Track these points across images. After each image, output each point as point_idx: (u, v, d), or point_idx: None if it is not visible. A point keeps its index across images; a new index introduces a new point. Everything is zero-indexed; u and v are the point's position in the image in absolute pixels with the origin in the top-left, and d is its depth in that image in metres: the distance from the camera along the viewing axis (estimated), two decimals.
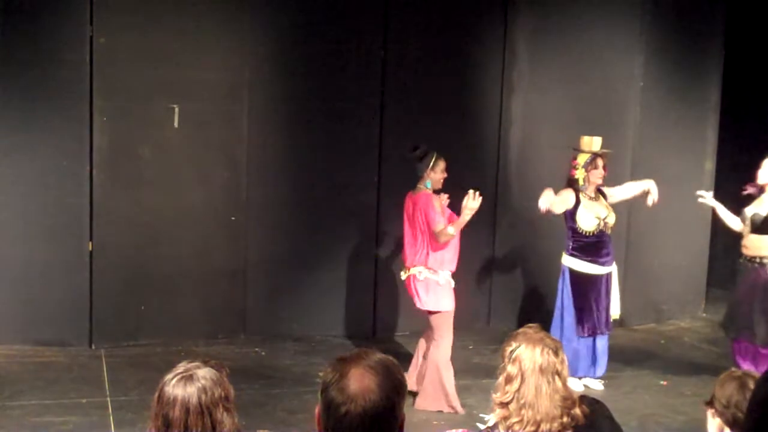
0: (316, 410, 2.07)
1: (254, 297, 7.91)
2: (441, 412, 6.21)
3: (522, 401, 3.01)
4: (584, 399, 3.11)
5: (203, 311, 7.73)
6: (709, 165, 8.99)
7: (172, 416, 2.69)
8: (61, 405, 6.10)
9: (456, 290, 8.10)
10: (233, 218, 7.74)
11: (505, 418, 3.05)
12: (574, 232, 6.65)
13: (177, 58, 7.44)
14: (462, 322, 8.17)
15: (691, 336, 8.56)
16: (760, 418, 1.95)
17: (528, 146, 8.30)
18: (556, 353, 3.05)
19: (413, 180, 7.95)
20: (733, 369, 3.49)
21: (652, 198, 6.79)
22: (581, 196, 6.64)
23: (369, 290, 8.09)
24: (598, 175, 6.66)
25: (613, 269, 6.80)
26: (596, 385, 6.84)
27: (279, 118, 7.85)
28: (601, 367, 6.84)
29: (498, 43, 8.19)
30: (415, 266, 6.24)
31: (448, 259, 6.24)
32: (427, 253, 6.20)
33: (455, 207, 8.04)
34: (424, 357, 6.36)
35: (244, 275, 7.85)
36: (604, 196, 6.80)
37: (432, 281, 6.20)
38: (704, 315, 9.20)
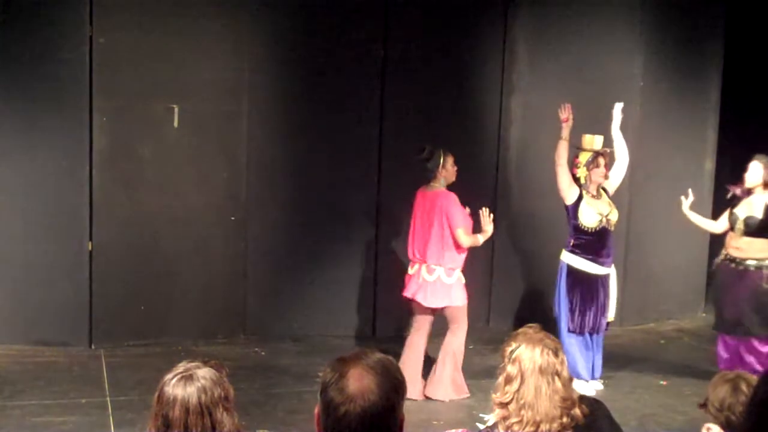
0: (316, 410, 2.07)
1: (254, 297, 7.91)
2: (442, 408, 6.21)
3: (522, 401, 3.01)
4: (584, 399, 3.11)
5: (203, 311, 7.73)
6: (709, 165, 8.99)
7: (172, 416, 2.69)
8: (61, 405, 6.10)
9: None
10: (233, 218, 7.75)
11: (505, 418, 3.05)
12: (576, 228, 6.63)
13: (177, 58, 7.44)
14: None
15: (690, 336, 8.56)
16: (759, 418, 1.95)
17: (528, 146, 8.30)
18: (555, 354, 3.05)
19: (413, 179, 7.99)
20: (725, 371, 3.48)
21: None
22: (584, 192, 6.64)
23: (369, 290, 8.09)
24: (599, 174, 6.64)
25: (612, 271, 6.78)
26: (597, 386, 6.83)
27: (279, 118, 7.85)
28: (597, 368, 6.82)
29: (498, 43, 8.18)
30: (429, 263, 6.35)
31: (461, 256, 6.39)
32: (443, 250, 6.32)
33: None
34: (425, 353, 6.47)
35: (244, 275, 7.85)
36: (607, 193, 6.80)
37: (445, 278, 6.34)
38: (704, 315, 9.19)
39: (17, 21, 7.07)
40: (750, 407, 2.03)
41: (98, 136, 7.27)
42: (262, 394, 6.45)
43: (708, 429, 3.24)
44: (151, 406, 2.75)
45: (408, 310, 6.73)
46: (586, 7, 8.35)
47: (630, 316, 8.65)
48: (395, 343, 7.87)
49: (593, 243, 6.62)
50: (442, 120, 8.04)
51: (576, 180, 6.65)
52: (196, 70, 7.49)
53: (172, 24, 7.45)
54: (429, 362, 6.69)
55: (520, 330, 3.18)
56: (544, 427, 2.99)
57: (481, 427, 5.13)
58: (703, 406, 3.37)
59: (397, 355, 7.06)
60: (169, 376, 2.75)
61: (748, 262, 6.63)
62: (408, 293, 6.53)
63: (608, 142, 6.76)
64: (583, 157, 6.63)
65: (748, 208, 6.68)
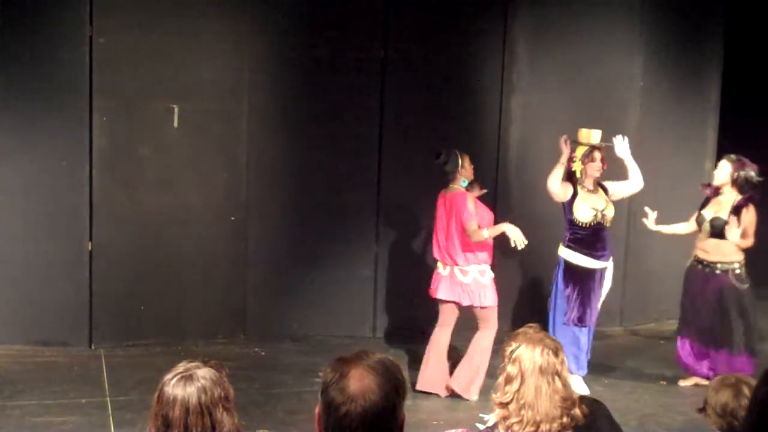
0: (316, 410, 2.07)
1: (254, 297, 7.91)
2: (442, 408, 6.22)
3: (522, 401, 3.01)
4: (584, 399, 3.11)
5: (203, 311, 7.73)
6: (709, 165, 8.97)
7: (172, 416, 2.69)
8: (61, 405, 6.10)
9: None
10: (233, 218, 7.75)
11: (505, 418, 3.05)
12: (571, 223, 6.65)
13: (177, 58, 7.44)
14: (462, 322, 8.19)
15: None
16: (759, 418, 1.96)
17: (528, 146, 8.30)
18: (556, 354, 3.05)
19: (413, 179, 8.00)
20: (725, 375, 3.45)
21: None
22: (579, 188, 6.64)
23: (369, 290, 8.09)
24: (595, 168, 6.63)
25: (608, 265, 6.79)
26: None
27: (279, 118, 7.85)
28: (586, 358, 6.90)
29: (498, 43, 8.18)
30: (461, 265, 6.41)
31: (482, 254, 6.45)
32: (466, 251, 6.38)
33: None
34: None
35: (244, 275, 7.85)
36: (605, 190, 6.80)
37: (480, 278, 6.41)
38: None
39: (17, 21, 7.07)
40: (750, 407, 2.03)
41: (98, 136, 7.27)
42: (262, 394, 6.45)
43: None
44: (151, 406, 2.75)
45: (433, 307, 6.72)
46: (586, 7, 8.35)
47: (630, 316, 8.66)
48: (395, 343, 7.89)
49: (588, 238, 6.64)
50: (442, 120, 8.04)
51: (572, 174, 6.66)
52: (196, 70, 7.49)
53: (172, 24, 7.45)
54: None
55: (520, 330, 3.18)
56: (544, 427, 2.99)
57: (481, 427, 5.14)
58: (702, 410, 3.34)
59: (397, 355, 7.08)
60: (169, 376, 2.75)
61: (717, 265, 6.62)
62: (440, 294, 6.54)
63: (606, 137, 6.78)
64: (579, 151, 6.64)
65: (716, 209, 6.67)
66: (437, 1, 8.09)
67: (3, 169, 7.19)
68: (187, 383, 2.71)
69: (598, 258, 6.68)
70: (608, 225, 6.71)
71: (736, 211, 6.56)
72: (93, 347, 7.37)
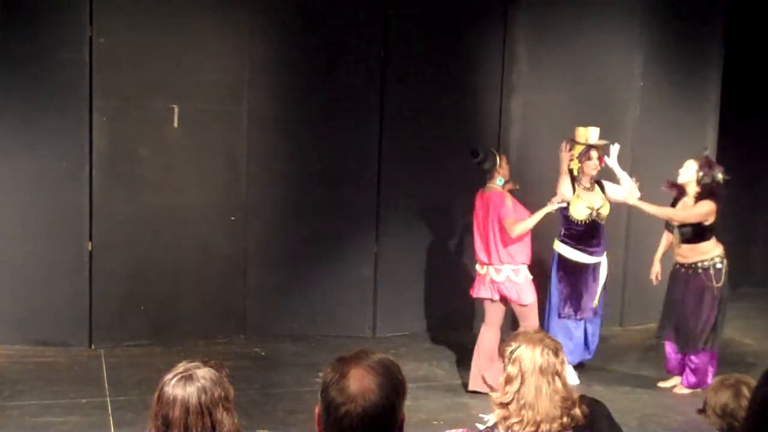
0: (316, 410, 2.07)
1: (254, 297, 7.91)
2: (442, 408, 6.22)
3: (522, 402, 3.01)
4: (584, 399, 3.11)
5: (203, 311, 7.73)
6: None
7: (172, 416, 2.69)
8: (61, 405, 6.09)
9: (457, 290, 8.11)
10: (233, 218, 7.74)
11: (505, 419, 3.05)
12: (566, 219, 6.79)
13: (177, 58, 7.44)
14: (461, 322, 8.20)
15: None
16: (760, 418, 1.95)
17: (528, 146, 8.30)
18: (556, 354, 3.05)
19: (413, 179, 8.00)
20: (725, 376, 3.43)
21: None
22: (576, 185, 6.76)
23: (369, 290, 8.09)
24: (591, 167, 6.74)
25: (602, 260, 6.92)
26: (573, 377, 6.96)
27: (279, 118, 7.85)
28: (590, 349, 7.06)
29: (498, 43, 8.18)
30: (494, 264, 6.41)
31: (521, 252, 6.44)
32: (503, 249, 6.39)
33: (453, 207, 8.07)
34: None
35: (244, 275, 7.85)
36: (602, 187, 6.87)
37: (513, 277, 6.41)
38: None
39: (17, 21, 7.07)
40: (751, 407, 2.03)
41: (98, 136, 7.27)
42: (262, 394, 6.45)
43: None
44: (151, 406, 2.75)
45: (480, 308, 6.80)
46: (586, 7, 8.35)
47: (630, 316, 8.66)
48: (395, 343, 7.89)
49: (583, 234, 6.79)
50: (442, 120, 8.04)
51: (569, 172, 6.74)
52: (196, 70, 7.49)
53: (172, 24, 7.45)
54: None
55: (520, 330, 3.18)
56: (544, 427, 2.99)
57: (481, 427, 5.14)
58: (702, 411, 3.33)
59: (398, 355, 7.07)
60: (169, 376, 2.75)
61: (697, 265, 6.62)
62: (477, 293, 6.58)
63: (603, 135, 6.82)
64: (577, 150, 6.73)
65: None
66: (437, 1, 8.09)
67: (3, 169, 7.19)
68: (187, 383, 2.71)
69: (591, 253, 6.83)
70: (602, 222, 6.85)
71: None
72: (93, 347, 7.37)
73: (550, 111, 8.22)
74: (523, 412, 3.01)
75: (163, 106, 7.40)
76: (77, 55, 7.15)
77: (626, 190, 6.81)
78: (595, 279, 6.91)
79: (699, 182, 6.60)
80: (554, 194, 6.67)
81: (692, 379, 6.73)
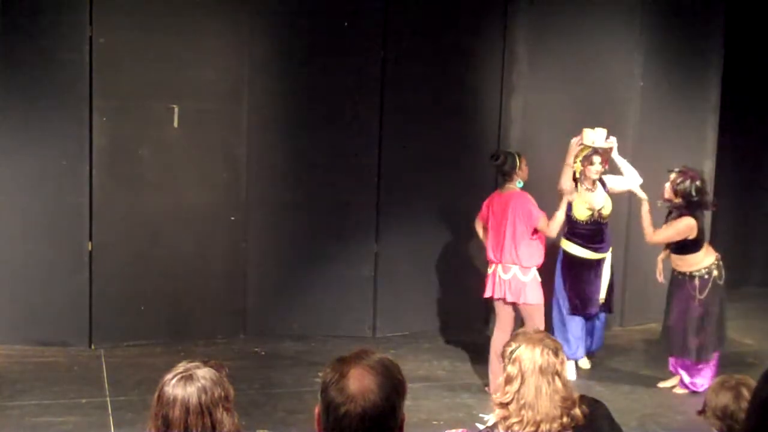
0: (316, 410, 2.07)
1: (254, 297, 7.91)
2: (443, 408, 6.22)
3: (522, 402, 3.01)
4: (584, 399, 3.11)
5: (203, 311, 7.73)
6: (709, 165, 8.98)
7: (172, 416, 2.69)
8: (61, 405, 6.10)
9: (457, 290, 8.12)
10: (233, 218, 7.74)
11: (505, 419, 3.05)
12: (569, 219, 6.91)
13: (177, 58, 7.44)
14: (461, 322, 8.21)
15: None
16: (760, 418, 1.95)
17: (528, 146, 8.27)
18: (556, 354, 3.05)
19: (413, 179, 8.00)
20: (725, 377, 3.42)
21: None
22: (578, 184, 6.85)
23: (369, 290, 8.09)
24: (593, 171, 6.84)
25: (607, 256, 7.08)
26: (585, 363, 7.24)
27: (279, 118, 7.85)
28: (596, 343, 7.27)
29: (498, 43, 8.18)
30: (504, 262, 6.40)
31: (537, 253, 6.42)
32: (517, 249, 6.37)
33: (453, 207, 8.08)
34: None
35: (244, 275, 7.85)
36: (604, 184, 6.97)
37: (521, 276, 6.39)
38: None
39: (17, 21, 7.07)
40: (751, 408, 2.03)
41: (98, 136, 7.26)
42: (262, 394, 6.45)
43: None
44: (151, 406, 2.75)
45: (491, 310, 6.79)
46: (586, 7, 8.35)
47: (630, 316, 8.66)
48: (395, 343, 7.89)
49: (586, 233, 6.97)
50: (443, 120, 8.04)
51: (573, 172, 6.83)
52: (196, 70, 7.49)
53: (172, 24, 7.45)
54: None
55: (520, 330, 3.19)
56: (544, 427, 2.99)
57: (481, 427, 5.14)
58: (702, 412, 3.33)
59: (397, 355, 7.07)
60: (169, 376, 2.75)
61: (687, 274, 6.63)
62: (486, 293, 6.57)
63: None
64: (582, 152, 6.78)
65: (668, 227, 6.68)
66: (437, 1, 8.09)
67: (3, 169, 7.19)
68: (187, 383, 2.71)
69: (594, 250, 6.99)
70: (605, 221, 6.99)
71: (667, 219, 6.64)
72: (93, 347, 7.37)
73: (550, 111, 8.22)
74: (523, 412, 3.01)
75: (163, 106, 7.40)
76: (77, 55, 7.15)
77: (628, 178, 6.85)
78: (597, 275, 7.02)
79: (677, 193, 6.54)
80: (556, 182, 6.72)
81: (689, 380, 6.73)
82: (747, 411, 2.07)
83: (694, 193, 6.48)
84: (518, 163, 6.42)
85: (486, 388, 6.58)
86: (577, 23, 8.29)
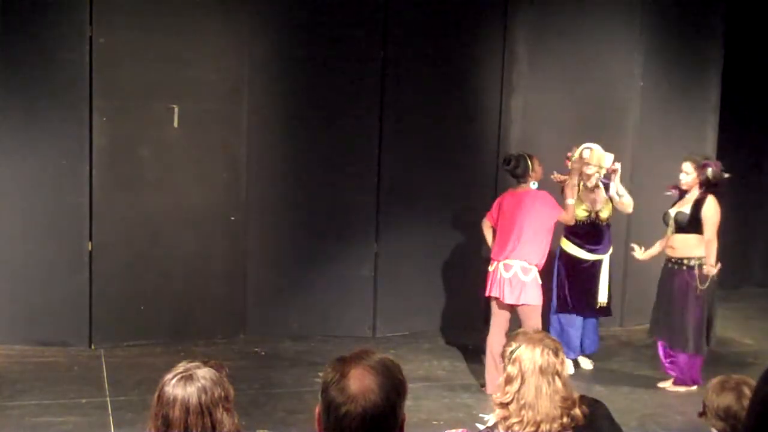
0: (316, 410, 2.07)
1: (254, 297, 7.91)
2: (443, 408, 6.22)
3: (522, 402, 3.01)
4: (584, 399, 3.11)
5: (203, 311, 7.73)
6: None
7: (172, 416, 2.69)
8: (61, 405, 6.10)
9: (457, 290, 8.11)
10: (233, 218, 7.74)
11: (505, 419, 3.05)
12: None
13: (177, 58, 7.44)
14: (461, 322, 8.21)
15: None
16: (760, 417, 1.95)
17: (528, 146, 8.26)
18: (556, 354, 3.05)
19: (413, 179, 8.00)
20: (725, 378, 3.40)
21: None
22: (580, 183, 6.94)
23: (369, 290, 8.08)
24: (589, 185, 6.97)
25: (604, 257, 7.09)
26: (586, 364, 7.29)
27: (279, 118, 7.85)
28: (590, 347, 7.26)
29: (498, 43, 8.18)
30: (506, 260, 6.40)
31: (542, 253, 6.45)
32: (522, 247, 6.39)
33: (453, 207, 8.08)
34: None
35: (244, 275, 7.85)
36: (606, 188, 7.01)
37: (521, 275, 6.40)
38: None
39: (17, 21, 7.07)
40: (751, 407, 2.02)
41: (98, 136, 7.26)
42: (262, 394, 6.45)
43: None
44: (151, 406, 2.75)
45: (480, 307, 6.78)
46: (586, 7, 8.36)
47: (630, 316, 8.66)
48: (395, 343, 7.89)
49: (583, 233, 7.01)
50: (442, 120, 8.04)
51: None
52: (196, 70, 7.48)
53: (172, 24, 7.45)
54: None
55: (520, 330, 3.18)
56: (544, 427, 2.99)
57: (481, 427, 5.14)
58: (703, 414, 3.31)
59: (398, 355, 7.07)
60: (169, 376, 2.75)
61: (683, 261, 6.63)
62: (486, 292, 6.58)
63: (608, 146, 6.91)
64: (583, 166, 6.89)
65: (680, 206, 6.72)
66: (437, 1, 8.09)
67: (3, 169, 7.18)
68: (187, 383, 2.71)
69: (591, 251, 7.04)
70: (603, 223, 7.03)
71: (697, 206, 6.60)
72: (93, 347, 7.37)
73: (550, 111, 8.22)
74: (523, 412, 3.01)
75: (163, 106, 7.40)
76: (77, 55, 7.15)
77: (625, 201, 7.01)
78: (594, 275, 7.04)
79: (701, 184, 6.61)
80: (556, 182, 6.76)
81: (680, 375, 6.74)
82: (747, 410, 2.07)
83: (720, 179, 6.57)
84: (531, 165, 6.44)
85: (483, 389, 6.58)
86: (577, 23, 8.29)
